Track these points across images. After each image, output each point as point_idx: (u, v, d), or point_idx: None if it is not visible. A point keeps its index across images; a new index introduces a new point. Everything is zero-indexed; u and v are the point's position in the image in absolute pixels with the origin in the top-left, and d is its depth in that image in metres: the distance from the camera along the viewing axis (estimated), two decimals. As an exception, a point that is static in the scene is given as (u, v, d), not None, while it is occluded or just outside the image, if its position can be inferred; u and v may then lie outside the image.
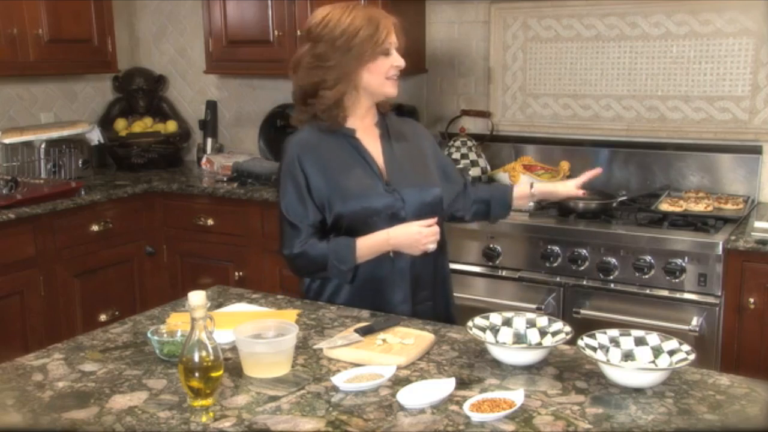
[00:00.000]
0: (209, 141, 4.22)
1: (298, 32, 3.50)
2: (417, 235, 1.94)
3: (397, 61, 2.01)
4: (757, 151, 3.07)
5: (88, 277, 3.44)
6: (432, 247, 1.97)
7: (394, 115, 2.18)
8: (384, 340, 1.67)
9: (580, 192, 2.28)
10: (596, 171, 2.27)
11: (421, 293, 2.07)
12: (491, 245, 2.89)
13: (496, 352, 1.58)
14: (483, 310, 1.84)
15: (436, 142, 2.24)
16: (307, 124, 2.04)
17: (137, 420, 1.35)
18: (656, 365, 1.52)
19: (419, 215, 1.98)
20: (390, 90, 2.02)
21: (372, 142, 2.05)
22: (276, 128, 3.89)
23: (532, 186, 2.27)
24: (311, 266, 1.99)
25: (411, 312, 2.00)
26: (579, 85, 3.37)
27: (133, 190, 3.61)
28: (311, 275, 2.05)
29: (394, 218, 1.98)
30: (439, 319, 1.96)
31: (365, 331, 1.70)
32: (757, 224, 2.62)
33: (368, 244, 1.96)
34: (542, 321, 1.67)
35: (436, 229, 1.97)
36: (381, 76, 1.99)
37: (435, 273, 2.11)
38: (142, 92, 4.29)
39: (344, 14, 1.96)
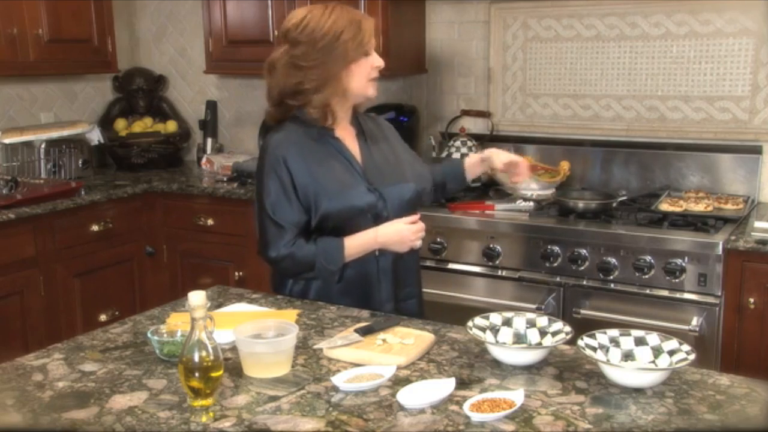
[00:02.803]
0: (209, 141, 4.22)
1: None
2: (405, 232, 1.97)
3: (377, 61, 2.00)
4: (757, 151, 3.07)
5: (88, 277, 3.44)
6: (419, 243, 2.01)
7: (363, 113, 2.20)
8: (384, 340, 1.67)
9: (515, 177, 2.26)
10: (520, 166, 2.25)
11: (404, 291, 2.10)
12: (491, 245, 2.89)
13: (496, 352, 1.58)
14: (483, 310, 1.83)
15: (400, 138, 2.25)
16: (288, 122, 2.04)
17: (137, 420, 1.35)
18: (656, 365, 1.52)
19: (400, 213, 2.01)
20: (371, 91, 2.02)
21: (350, 142, 2.06)
22: (276, 128, 3.89)
23: (480, 152, 2.32)
24: (298, 267, 1.98)
25: (394, 310, 2.02)
26: (579, 85, 3.37)
27: (133, 190, 3.61)
28: (296, 276, 2.04)
29: (378, 218, 2.00)
30: (418, 315, 2.02)
31: (365, 331, 1.70)
32: (757, 224, 2.62)
33: (356, 243, 1.97)
34: (542, 321, 1.67)
35: (422, 225, 2.01)
36: (363, 77, 1.98)
37: (415, 269, 2.15)
38: (142, 92, 4.29)
39: (324, 15, 1.95)
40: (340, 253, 1.95)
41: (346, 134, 2.06)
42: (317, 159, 1.99)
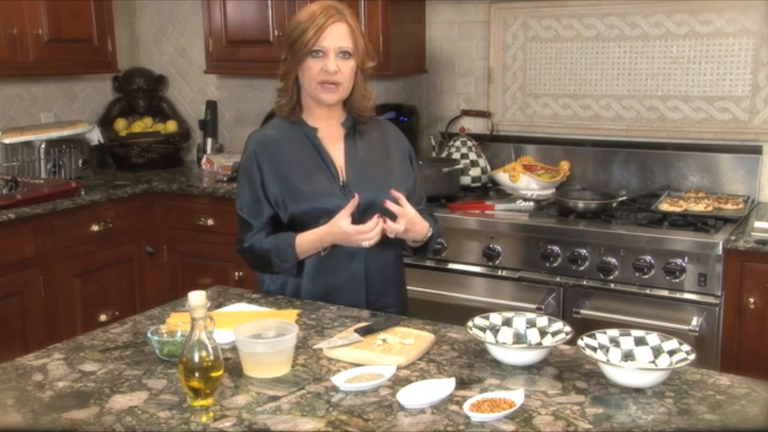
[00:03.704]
0: (209, 141, 4.22)
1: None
2: (344, 235, 1.88)
3: (325, 66, 1.92)
4: (757, 151, 3.07)
5: (88, 277, 3.44)
6: (366, 244, 1.89)
7: (379, 118, 2.16)
8: (384, 340, 1.67)
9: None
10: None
11: (380, 299, 2.05)
12: (491, 245, 2.89)
13: (496, 352, 1.58)
14: (483, 310, 1.83)
15: (412, 153, 2.16)
16: (275, 119, 2.07)
17: (137, 420, 1.35)
18: (656, 365, 1.52)
19: (365, 217, 1.90)
20: (322, 96, 1.96)
21: (334, 142, 2.04)
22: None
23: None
24: (258, 261, 2.02)
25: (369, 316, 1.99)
26: (579, 85, 3.37)
27: (133, 190, 3.61)
28: (264, 270, 2.06)
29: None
30: None
31: (365, 331, 1.70)
32: (757, 224, 2.62)
33: (306, 241, 1.95)
34: (542, 321, 1.67)
35: (365, 227, 1.86)
36: (311, 80, 1.95)
37: (391, 279, 2.09)
38: (142, 92, 4.29)
39: (305, 8, 1.99)
40: (291, 250, 1.95)
41: (332, 134, 2.05)
42: (292, 160, 1.99)
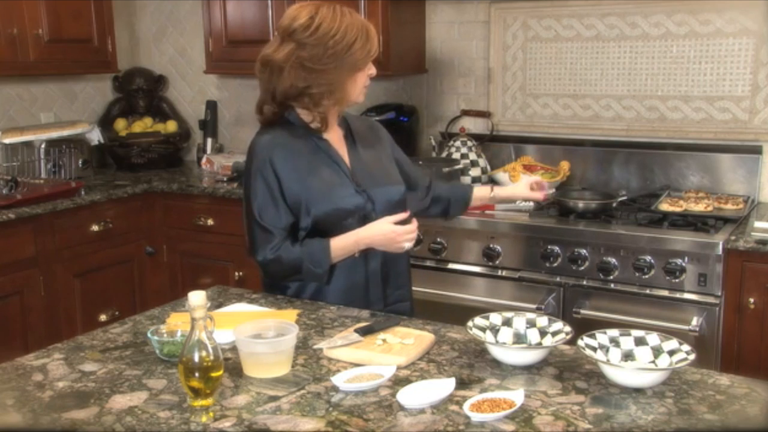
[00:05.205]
0: (209, 141, 4.23)
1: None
2: (391, 233, 1.92)
3: (373, 69, 2.00)
4: (757, 151, 3.07)
5: (88, 277, 3.44)
6: (408, 245, 1.95)
7: (353, 114, 2.20)
8: (384, 340, 1.67)
9: (537, 195, 2.39)
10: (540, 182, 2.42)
11: (394, 293, 2.08)
12: (491, 245, 2.89)
13: (496, 352, 1.58)
14: (483, 310, 1.83)
15: (390, 138, 2.23)
16: (277, 125, 2.01)
17: (137, 420, 1.35)
18: (656, 365, 1.52)
19: (389, 214, 1.96)
20: (362, 98, 2.02)
21: (338, 143, 2.04)
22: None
23: (492, 190, 2.37)
24: (285, 271, 1.97)
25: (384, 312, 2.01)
26: (579, 85, 3.37)
27: (133, 190, 3.61)
28: (285, 279, 2.02)
29: (366, 219, 1.97)
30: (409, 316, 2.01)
31: (365, 331, 1.70)
32: (757, 224, 2.62)
33: (340, 245, 1.95)
34: (542, 321, 1.67)
35: (412, 226, 1.94)
36: (361, 85, 1.97)
37: (406, 272, 2.13)
38: (142, 92, 4.29)
39: (334, 19, 1.89)
40: (326, 256, 1.93)
41: (334, 136, 2.05)
42: (304, 162, 1.97)
